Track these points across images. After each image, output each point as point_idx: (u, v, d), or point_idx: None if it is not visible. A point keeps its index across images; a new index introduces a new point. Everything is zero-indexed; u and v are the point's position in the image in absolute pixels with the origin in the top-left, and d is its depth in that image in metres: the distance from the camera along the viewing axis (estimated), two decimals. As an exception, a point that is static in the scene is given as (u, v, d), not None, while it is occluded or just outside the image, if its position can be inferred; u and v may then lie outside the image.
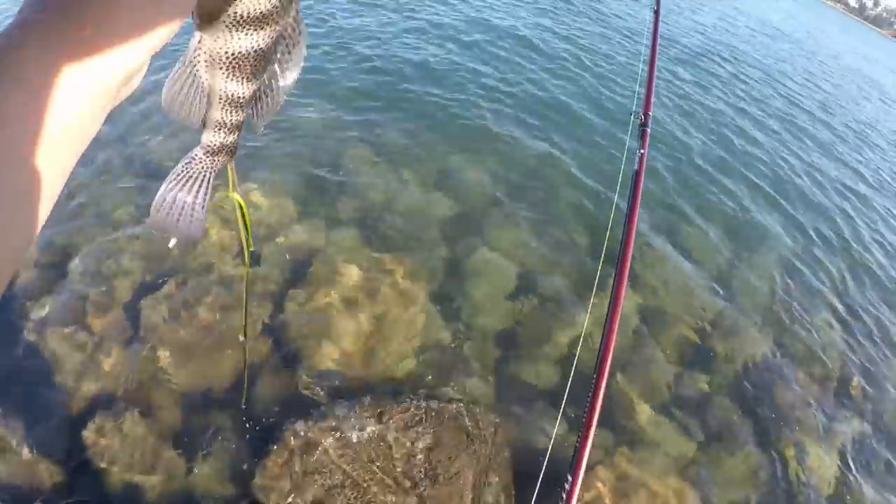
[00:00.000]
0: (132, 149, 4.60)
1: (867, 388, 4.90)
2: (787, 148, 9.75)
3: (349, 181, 4.73)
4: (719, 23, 18.80)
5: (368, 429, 2.95)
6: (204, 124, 0.79)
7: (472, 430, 3.13)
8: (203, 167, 0.83)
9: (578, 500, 2.94)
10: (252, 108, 0.81)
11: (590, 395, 1.73)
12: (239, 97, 0.76)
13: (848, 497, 3.91)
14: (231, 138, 0.81)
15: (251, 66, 0.73)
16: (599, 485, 3.16)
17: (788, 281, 5.82)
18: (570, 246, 4.62)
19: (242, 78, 0.74)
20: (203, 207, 0.84)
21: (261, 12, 0.66)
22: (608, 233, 2.08)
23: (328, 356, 3.32)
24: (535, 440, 3.20)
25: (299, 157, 4.90)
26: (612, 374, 3.80)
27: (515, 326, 3.91)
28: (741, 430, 3.97)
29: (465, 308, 3.90)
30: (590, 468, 3.13)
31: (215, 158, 0.83)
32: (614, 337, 1.70)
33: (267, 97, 0.80)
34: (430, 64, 7.17)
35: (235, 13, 0.66)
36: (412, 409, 3.09)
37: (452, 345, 3.66)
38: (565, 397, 1.72)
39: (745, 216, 6.60)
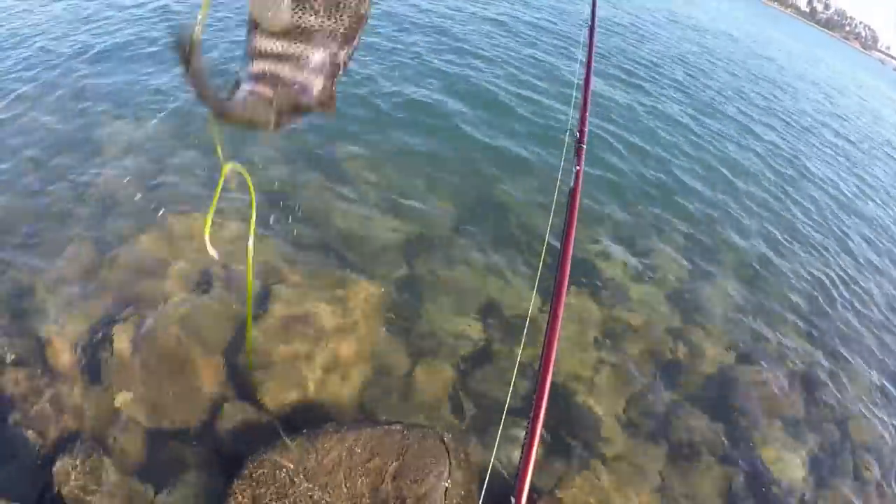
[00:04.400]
0: (84, 178, 4.52)
1: (835, 393, 4.96)
2: (742, 153, 9.99)
3: (305, 203, 4.70)
4: (663, 25, 19.26)
5: (333, 456, 2.92)
6: None
7: (436, 451, 3.09)
8: None
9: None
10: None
11: (530, 416, 1.74)
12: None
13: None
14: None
15: None
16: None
17: (749, 288, 5.92)
18: (514, 264, 4.68)
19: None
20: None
21: None
22: (544, 250, 2.11)
23: (289, 384, 3.31)
24: (501, 457, 3.20)
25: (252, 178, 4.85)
26: (574, 392, 3.84)
27: (472, 346, 3.93)
28: (709, 440, 4.01)
29: (423, 329, 3.93)
30: (553, 486, 3.12)
31: None
32: (552, 360, 1.72)
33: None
34: (376, 102, 7.02)
35: None
36: (376, 435, 3.06)
37: (412, 367, 3.67)
38: (504, 410, 1.72)
39: (703, 225, 6.72)
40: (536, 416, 1.79)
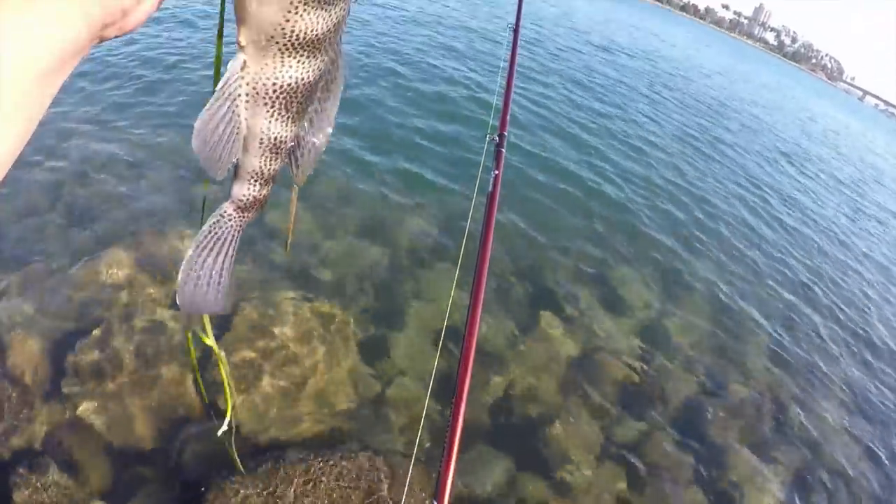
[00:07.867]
0: (63, 188, 4.43)
1: (804, 421, 4.82)
2: (708, 175, 10.04)
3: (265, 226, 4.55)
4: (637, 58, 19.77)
5: (296, 485, 2.85)
6: (236, 174, 0.67)
7: (396, 482, 2.98)
8: (233, 226, 0.70)
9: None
10: (291, 156, 0.68)
11: (445, 440, 1.55)
12: (281, 141, 0.63)
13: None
14: (265, 191, 0.69)
15: (299, 102, 0.60)
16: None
17: (717, 317, 5.80)
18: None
19: (288, 117, 0.61)
20: (230, 274, 0.71)
21: (320, 32, 0.55)
22: (460, 258, 1.94)
23: (254, 410, 3.24)
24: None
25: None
26: (547, 422, 3.68)
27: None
28: (679, 467, 3.87)
29: (387, 355, 3.83)
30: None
31: (245, 215, 0.70)
32: (466, 386, 1.55)
33: (308, 143, 0.68)
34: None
35: (293, 31, 0.53)
36: (344, 463, 2.98)
37: (379, 395, 3.56)
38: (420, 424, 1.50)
39: (670, 257, 6.63)
40: (454, 431, 1.60)
